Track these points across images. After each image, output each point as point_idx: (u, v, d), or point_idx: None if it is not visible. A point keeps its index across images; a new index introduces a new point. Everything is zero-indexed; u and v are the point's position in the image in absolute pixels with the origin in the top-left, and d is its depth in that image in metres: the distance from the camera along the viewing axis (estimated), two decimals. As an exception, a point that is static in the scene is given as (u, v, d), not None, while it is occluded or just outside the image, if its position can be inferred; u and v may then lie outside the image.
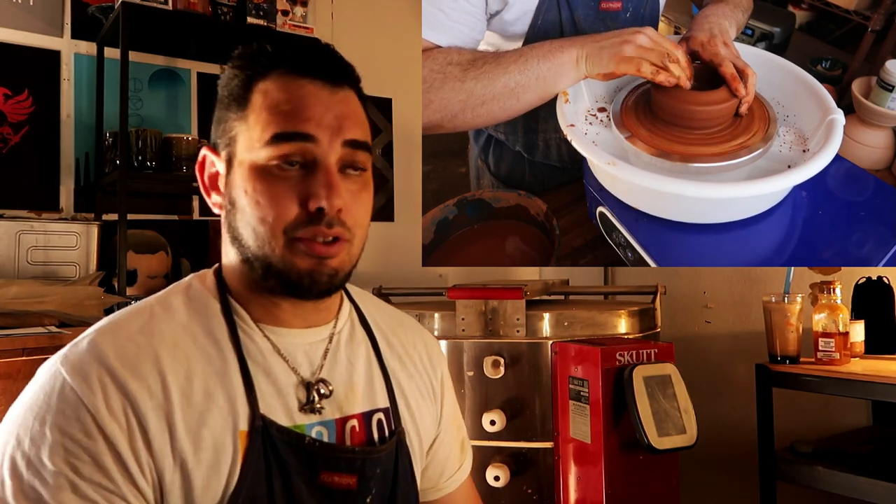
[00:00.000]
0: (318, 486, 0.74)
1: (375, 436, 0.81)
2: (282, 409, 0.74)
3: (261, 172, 0.72)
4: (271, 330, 0.77)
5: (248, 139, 0.73)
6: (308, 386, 0.77)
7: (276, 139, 0.71)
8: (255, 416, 0.72)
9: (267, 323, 0.77)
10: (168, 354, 0.70)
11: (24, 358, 1.39)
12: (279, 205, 0.71)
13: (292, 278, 0.73)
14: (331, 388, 0.78)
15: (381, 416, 0.83)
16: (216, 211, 0.79)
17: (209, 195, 0.79)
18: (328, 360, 0.80)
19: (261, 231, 0.72)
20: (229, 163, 0.75)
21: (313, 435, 0.75)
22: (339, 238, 0.73)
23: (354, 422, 0.80)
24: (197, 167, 0.80)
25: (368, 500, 0.77)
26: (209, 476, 0.68)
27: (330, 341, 0.82)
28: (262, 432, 0.71)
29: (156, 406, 0.67)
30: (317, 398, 0.77)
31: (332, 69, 0.75)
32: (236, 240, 0.75)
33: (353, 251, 0.76)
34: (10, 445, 0.65)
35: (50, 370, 0.69)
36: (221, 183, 0.77)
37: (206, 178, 0.79)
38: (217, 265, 0.81)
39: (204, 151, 0.79)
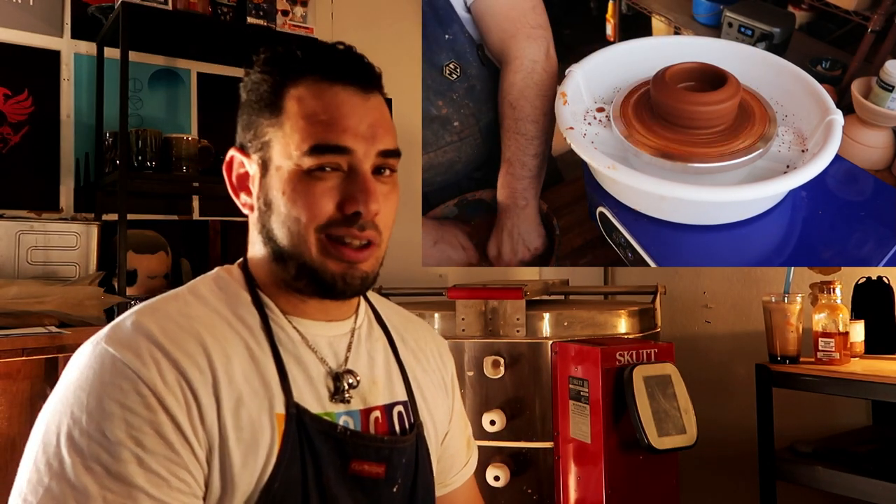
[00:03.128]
0: (349, 475, 0.75)
1: (396, 427, 0.83)
2: (313, 398, 0.76)
3: (300, 176, 0.74)
4: (298, 321, 0.79)
5: (285, 146, 0.74)
6: (337, 376, 0.79)
7: (315, 150, 0.73)
8: (290, 403, 0.73)
9: (293, 315, 0.79)
10: (208, 334, 0.72)
11: (24, 358, 1.39)
12: (316, 205, 0.73)
13: (326, 280, 0.75)
14: (358, 378, 0.80)
15: (400, 408, 0.84)
16: (245, 211, 0.80)
17: (237, 195, 0.81)
18: (352, 353, 0.82)
19: (295, 230, 0.74)
20: (264, 166, 0.76)
21: (341, 423, 0.77)
22: (370, 242, 0.75)
23: (377, 413, 0.81)
24: (224, 167, 0.81)
25: (395, 489, 0.79)
26: (246, 455, 0.69)
27: (352, 336, 0.83)
28: (297, 419, 0.73)
29: (205, 381, 0.69)
30: (346, 387, 0.78)
31: (363, 74, 0.77)
32: (270, 239, 0.76)
33: (381, 254, 0.78)
34: (66, 424, 0.65)
35: (93, 351, 0.69)
36: (254, 184, 0.78)
37: (234, 179, 0.81)
38: (241, 259, 0.83)
39: (232, 152, 0.80)
